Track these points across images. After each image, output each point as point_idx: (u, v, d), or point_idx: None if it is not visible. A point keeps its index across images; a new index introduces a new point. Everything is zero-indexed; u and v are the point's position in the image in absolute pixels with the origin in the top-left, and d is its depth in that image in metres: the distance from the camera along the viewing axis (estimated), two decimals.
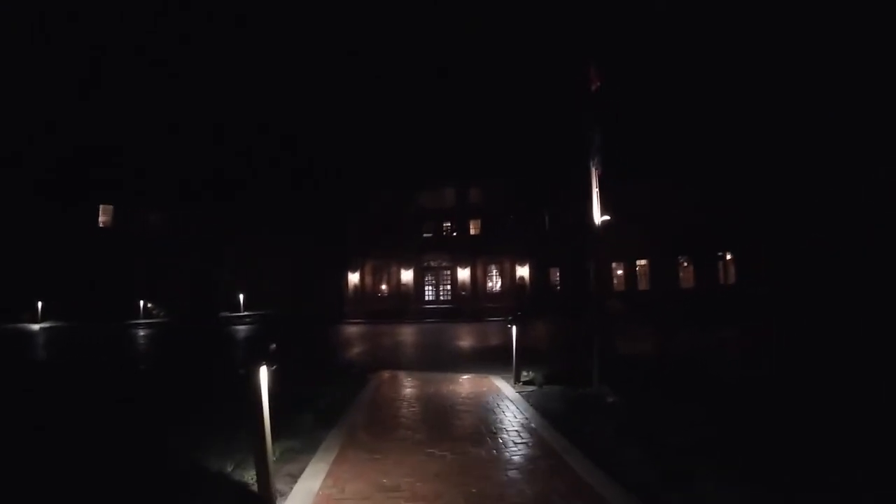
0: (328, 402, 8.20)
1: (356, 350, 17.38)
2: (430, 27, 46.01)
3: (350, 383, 9.91)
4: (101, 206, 36.44)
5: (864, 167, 21.90)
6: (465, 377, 10.57)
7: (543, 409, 7.57)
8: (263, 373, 4.35)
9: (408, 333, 22.58)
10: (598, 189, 9.48)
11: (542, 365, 10.51)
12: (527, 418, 7.08)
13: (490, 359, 13.20)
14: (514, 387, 9.39)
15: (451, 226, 38.13)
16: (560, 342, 15.56)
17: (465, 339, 19.98)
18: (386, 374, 11.22)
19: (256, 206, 39.55)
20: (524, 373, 9.92)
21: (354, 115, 44.38)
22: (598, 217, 9.39)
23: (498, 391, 9.03)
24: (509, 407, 7.78)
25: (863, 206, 21.75)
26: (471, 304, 34.03)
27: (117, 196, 36.10)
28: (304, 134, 41.26)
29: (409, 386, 9.85)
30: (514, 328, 9.77)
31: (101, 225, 36.47)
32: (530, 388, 9.28)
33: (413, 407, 7.99)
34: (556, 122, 38.71)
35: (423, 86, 49.09)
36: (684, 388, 8.42)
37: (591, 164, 9.55)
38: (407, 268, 36.34)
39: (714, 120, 27.85)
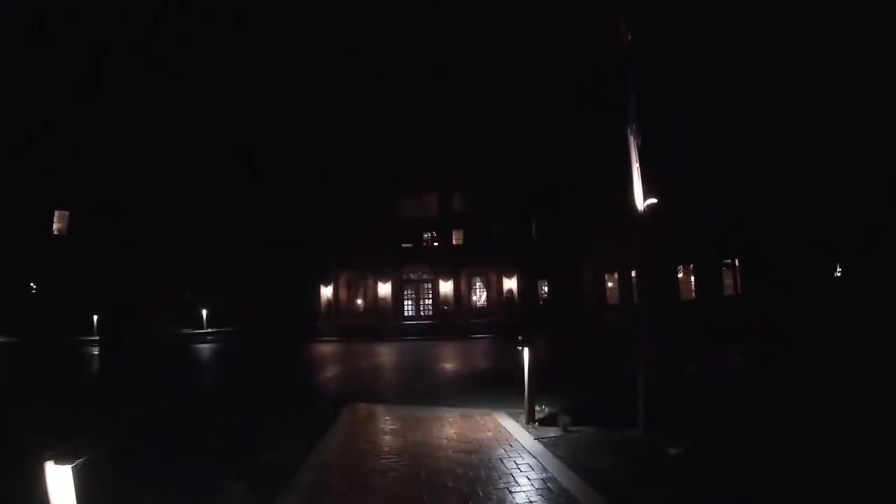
0: (278, 456, 5.96)
1: (327, 374, 15.04)
2: (429, 27, 44.04)
3: (313, 423, 7.75)
4: (56, 212, 34.15)
5: (864, 166, 20.61)
6: (461, 414, 8.29)
7: (585, 470, 5.32)
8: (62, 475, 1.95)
9: (386, 354, 20.20)
10: (638, 163, 7.29)
11: (555, 395, 8.29)
12: (565, 488, 4.79)
13: (485, 387, 11.09)
14: (528, 429, 7.16)
15: (432, 235, 35.83)
16: (570, 365, 13.27)
17: (452, 361, 17.69)
18: (359, 410, 8.95)
19: (223, 214, 37.06)
20: (538, 408, 7.69)
21: (331, 114, 42.28)
22: (642, 199, 7.16)
23: (508, 438, 6.77)
24: (532, 467, 5.51)
25: (862, 206, 20.47)
26: (454, 319, 31.72)
27: (72, 201, 33.85)
28: (270, 138, 39.03)
29: (388, 430, 7.49)
30: (525, 351, 7.50)
31: (55, 232, 34.05)
32: (552, 431, 7.05)
33: (392, 470, 5.63)
34: (546, 121, 37.16)
35: (406, 84, 47.10)
36: (769, 431, 6.23)
37: (629, 132, 7.37)
38: (385, 281, 33.92)
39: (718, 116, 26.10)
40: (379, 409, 9.00)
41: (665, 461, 5.61)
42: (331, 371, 15.65)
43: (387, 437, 7.02)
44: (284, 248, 37.54)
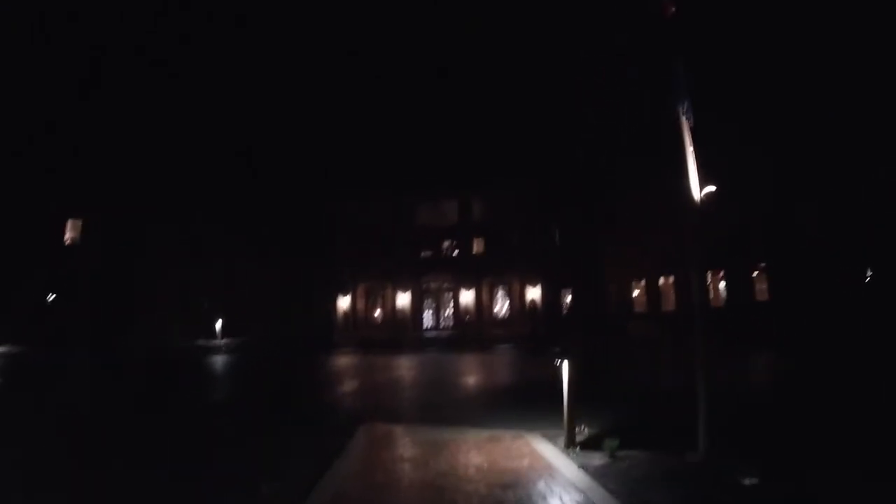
0: (279, 487, 5.21)
1: (343, 388, 14.18)
2: (429, 27, 43.45)
3: (324, 446, 6.92)
4: (70, 221, 33.93)
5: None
6: (489, 437, 7.40)
7: None
8: None
9: (406, 367, 19.30)
10: (692, 147, 6.40)
11: (591, 411, 7.39)
12: None
13: (513, 404, 10.25)
14: (569, 455, 6.26)
15: (452, 243, 34.97)
16: (601, 377, 12.31)
17: (475, 375, 16.78)
18: (376, 430, 8.09)
19: (239, 223, 36.53)
20: (579, 429, 6.79)
21: (346, 119, 41.80)
22: (698, 188, 6.26)
23: (548, 467, 5.88)
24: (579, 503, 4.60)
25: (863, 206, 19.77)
26: (475, 330, 30.80)
27: (84, 208, 33.59)
28: (285, 146, 38.56)
29: (408, 456, 6.63)
30: (564, 365, 6.61)
31: (67, 241, 33.78)
32: (597, 457, 6.15)
33: None
34: (565, 126, 36.25)
35: (422, 89, 46.51)
36: (855, 457, 5.30)
37: (680, 110, 6.47)
38: (404, 290, 33.13)
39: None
40: (398, 429, 8.14)
41: (741, 495, 4.69)
42: (347, 385, 14.81)
43: (406, 466, 6.15)
44: (301, 258, 36.90)
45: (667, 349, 19.05)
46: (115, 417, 10.02)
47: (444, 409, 10.25)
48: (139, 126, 35.01)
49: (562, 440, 6.80)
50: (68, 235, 34.18)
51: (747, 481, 4.94)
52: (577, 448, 6.47)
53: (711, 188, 6.43)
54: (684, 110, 6.51)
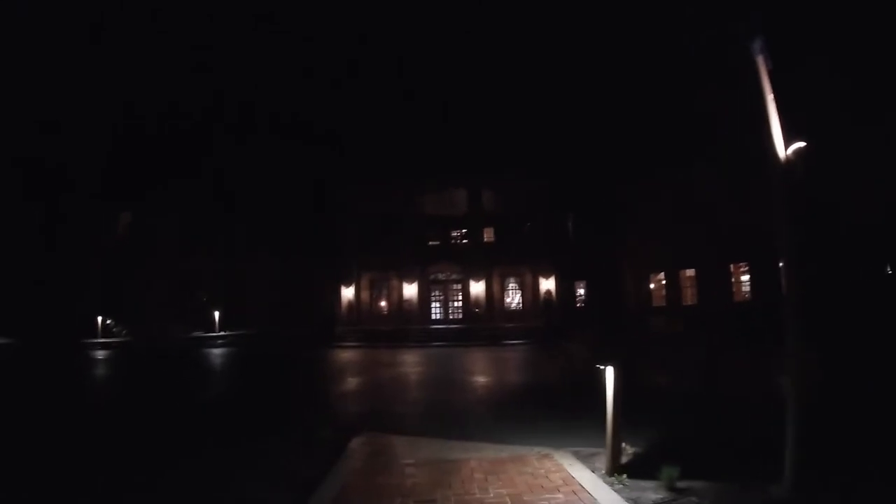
0: None
1: (341, 388, 12.92)
2: (439, 9, 42.06)
3: (307, 465, 5.74)
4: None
5: None
6: (510, 455, 6.10)
7: None
8: None
9: (411, 363, 18.02)
10: (773, 94, 5.03)
11: (633, 424, 6.05)
12: None
13: (532, 410, 9.02)
14: (613, 485, 4.92)
15: (461, 232, 33.59)
16: (636, 381, 10.97)
17: (487, 373, 15.46)
18: (373, 444, 6.84)
19: (238, 208, 35.39)
20: (624, 447, 5.52)
21: (354, 104, 40.59)
22: (782, 143, 4.90)
23: (591, 503, 4.52)
24: None
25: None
26: (486, 323, 29.47)
27: (78, 194, 32.64)
28: (293, 124, 37.42)
29: (409, 484, 5.31)
30: (609, 372, 5.29)
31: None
32: (651, 488, 4.88)
33: None
34: (582, 108, 34.84)
35: (432, 73, 45.07)
36: None
37: (754, 51, 5.10)
38: (410, 281, 31.78)
39: None
40: (399, 443, 6.85)
41: None
42: (346, 384, 13.55)
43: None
44: (303, 247, 35.69)
45: (696, 347, 17.65)
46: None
47: (454, 415, 8.97)
48: (134, 110, 34.14)
49: (599, 461, 5.54)
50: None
51: None
52: (625, 476, 5.14)
53: (800, 143, 5.06)
54: (758, 49, 5.15)
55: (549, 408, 9.05)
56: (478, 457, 6.05)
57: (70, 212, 32.89)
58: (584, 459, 5.81)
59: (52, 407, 10.40)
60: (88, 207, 33.19)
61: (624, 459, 5.58)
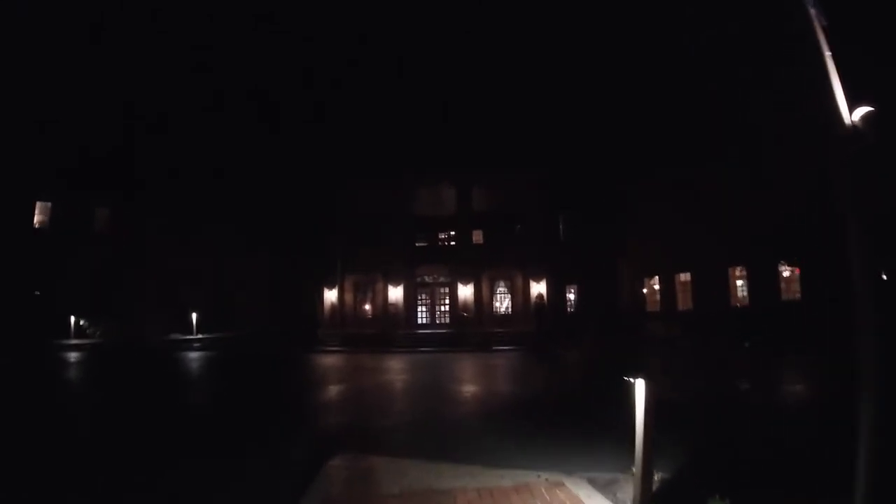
0: None
1: (320, 397, 11.91)
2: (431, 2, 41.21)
3: (267, 500, 4.71)
4: (38, 204, 31.68)
5: None
6: (514, 483, 5.20)
7: None
8: None
9: (397, 369, 17.03)
10: (831, 53, 4.14)
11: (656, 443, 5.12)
12: None
13: (534, 425, 8.12)
14: None
15: (449, 233, 32.66)
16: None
17: (478, 381, 14.50)
18: (350, 468, 5.85)
19: (218, 206, 34.28)
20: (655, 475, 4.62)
21: (338, 100, 39.71)
22: (847, 110, 3.99)
23: None
24: None
25: None
26: (474, 328, 28.51)
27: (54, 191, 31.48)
28: (276, 123, 36.51)
29: None
30: (639, 387, 4.35)
31: (36, 225, 31.50)
32: None
33: None
34: (577, 107, 34.16)
35: (419, 68, 44.16)
36: None
37: (809, 6, 4.21)
38: (396, 284, 30.76)
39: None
40: (381, 466, 5.88)
41: None
42: (325, 393, 12.53)
43: None
44: (285, 247, 34.66)
45: (701, 353, 16.82)
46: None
47: (445, 430, 8.01)
48: (116, 106, 33.24)
49: (620, 490, 4.70)
50: (37, 219, 31.94)
51: None
52: None
53: (868, 108, 4.15)
54: (812, 4, 4.26)
55: (552, 423, 8.12)
56: (474, 485, 5.10)
57: (47, 211, 31.75)
58: (603, 488, 4.92)
59: None
60: (62, 206, 32.02)
61: (658, 484, 4.67)
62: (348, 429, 8.21)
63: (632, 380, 4.35)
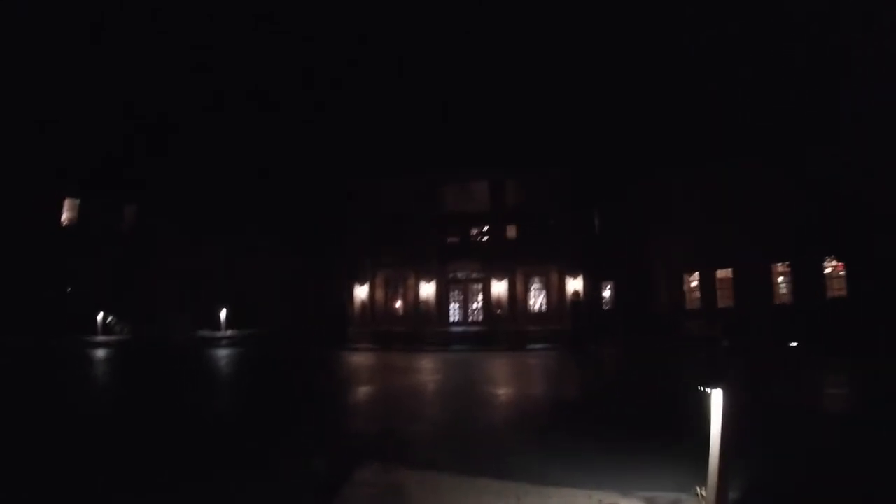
0: None
1: (348, 400, 11.41)
2: None
3: None
4: (67, 201, 31.88)
5: None
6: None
7: None
8: None
9: (429, 370, 16.51)
10: None
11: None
12: None
13: (579, 432, 7.48)
14: None
15: (482, 228, 31.99)
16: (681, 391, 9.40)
17: (516, 385, 13.87)
18: (378, 481, 5.34)
19: (246, 202, 34.14)
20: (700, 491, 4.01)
21: (369, 93, 39.33)
22: None
23: None
24: None
25: None
26: (508, 326, 27.89)
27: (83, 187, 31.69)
28: (302, 113, 36.29)
29: None
30: (716, 397, 3.72)
31: (64, 223, 31.71)
32: None
33: None
34: (609, 100, 33.27)
35: (452, 59, 43.47)
36: None
37: None
38: (428, 280, 30.27)
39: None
40: (413, 480, 5.32)
41: None
42: (354, 395, 12.05)
43: None
44: (315, 243, 34.35)
45: (748, 354, 15.95)
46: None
47: (482, 440, 7.42)
48: (142, 105, 33.37)
49: None
50: (65, 216, 32.15)
51: None
52: None
53: None
54: None
55: (598, 433, 7.47)
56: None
57: (75, 208, 31.96)
58: None
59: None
60: (90, 203, 32.20)
61: None
62: (377, 434, 7.70)
63: (708, 390, 3.72)
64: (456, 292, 31.19)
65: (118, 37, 34.75)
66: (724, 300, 28.59)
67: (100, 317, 28.86)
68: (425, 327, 28.35)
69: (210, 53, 36.51)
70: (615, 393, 11.60)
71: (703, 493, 4.09)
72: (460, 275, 31.10)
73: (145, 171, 32.83)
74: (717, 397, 3.70)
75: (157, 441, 7.27)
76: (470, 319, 30.58)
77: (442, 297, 30.47)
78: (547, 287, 30.63)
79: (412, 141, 32.14)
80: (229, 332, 30.60)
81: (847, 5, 19.84)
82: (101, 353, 22.05)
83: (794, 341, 19.13)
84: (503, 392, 12.18)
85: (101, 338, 27.24)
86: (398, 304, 31.42)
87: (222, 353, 21.97)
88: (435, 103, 37.78)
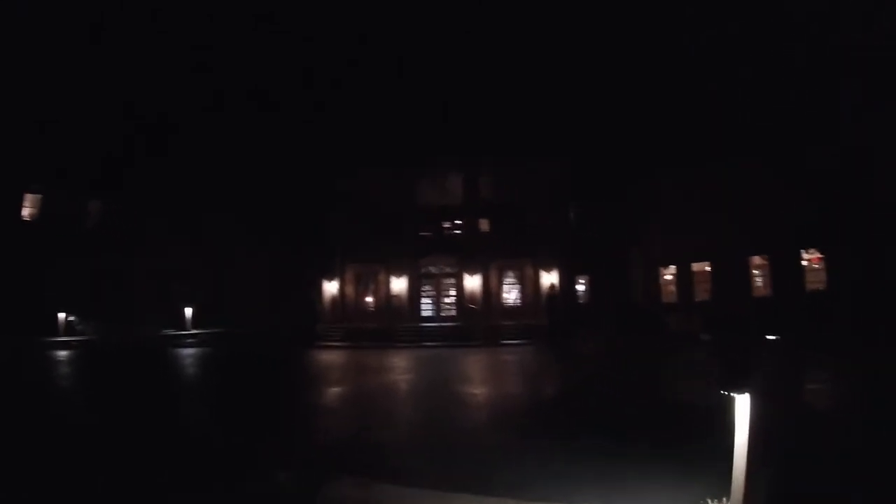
0: None
1: (316, 401, 10.78)
2: None
3: None
4: (28, 196, 30.66)
5: None
6: None
7: None
8: None
9: (401, 368, 15.93)
10: None
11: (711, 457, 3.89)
12: None
13: (565, 436, 6.98)
14: None
15: (455, 222, 31.45)
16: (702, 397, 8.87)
17: (494, 384, 13.36)
18: (353, 498, 4.69)
19: (213, 197, 33.22)
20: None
21: (338, 81, 38.58)
22: None
23: None
24: None
25: None
26: (482, 321, 27.41)
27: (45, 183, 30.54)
28: (270, 97, 35.55)
29: None
30: (742, 403, 3.18)
31: (26, 218, 30.47)
32: None
33: None
34: (587, 94, 32.95)
35: (423, 48, 42.86)
36: None
37: None
38: (399, 275, 29.68)
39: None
40: (388, 497, 4.73)
41: None
42: (322, 397, 11.41)
43: None
44: (288, 239, 33.58)
45: (731, 348, 15.64)
46: None
47: (462, 447, 6.85)
48: (141, 105, 32.49)
49: None
50: (26, 212, 30.91)
51: None
52: None
53: None
54: None
55: (590, 438, 6.91)
56: None
57: (42, 201, 30.79)
58: None
59: None
60: (56, 196, 31.06)
61: None
62: (347, 442, 7.10)
63: (733, 394, 3.20)
64: (428, 287, 30.64)
65: (118, 37, 33.66)
66: (702, 294, 28.52)
67: (61, 316, 27.69)
68: (397, 323, 27.75)
69: (210, 53, 35.48)
70: (595, 391, 11.11)
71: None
72: (433, 269, 30.55)
73: (112, 169, 31.81)
74: (743, 403, 3.18)
75: (90, 458, 6.54)
76: (443, 315, 30.05)
77: (414, 293, 29.93)
78: (522, 281, 30.24)
79: (384, 136, 31.46)
80: (196, 332, 29.64)
81: (847, 5, 19.75)
82: (58, 354, 21.07)
83: (776, 334, 18.90)
84: (480, 392, 11.66)
85: (62, 339, 26.11)
86: (369, 299, 30.80)
87: (187, 353, 21.16)
88: (410, 94, 37.11)
